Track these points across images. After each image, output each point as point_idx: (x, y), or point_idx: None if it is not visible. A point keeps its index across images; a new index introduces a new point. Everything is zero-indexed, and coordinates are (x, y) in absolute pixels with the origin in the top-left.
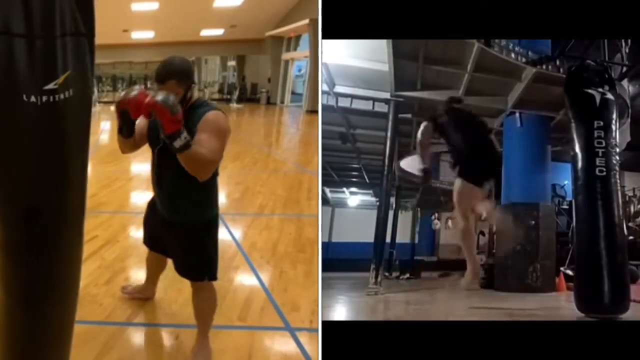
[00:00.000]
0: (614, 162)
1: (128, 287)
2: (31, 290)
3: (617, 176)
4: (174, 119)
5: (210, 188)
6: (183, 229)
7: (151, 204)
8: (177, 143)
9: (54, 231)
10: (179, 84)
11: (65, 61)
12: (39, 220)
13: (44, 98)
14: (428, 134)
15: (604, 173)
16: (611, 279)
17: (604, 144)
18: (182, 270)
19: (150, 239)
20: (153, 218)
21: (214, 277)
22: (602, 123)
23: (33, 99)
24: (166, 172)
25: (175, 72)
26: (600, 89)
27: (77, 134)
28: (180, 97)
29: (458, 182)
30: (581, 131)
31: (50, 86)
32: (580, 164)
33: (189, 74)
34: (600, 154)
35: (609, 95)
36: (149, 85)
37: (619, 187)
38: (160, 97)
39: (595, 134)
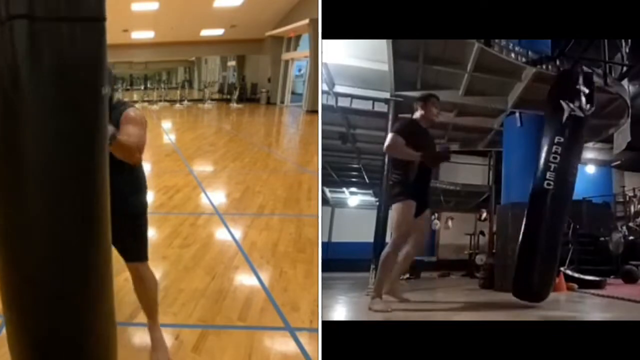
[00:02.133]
0: (568, 179)
1: None
2: None
3: (568, 193)
4: None
5: (141, 175)
6: (129, 215)
7: None
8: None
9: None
10: (110, 84)
11: None
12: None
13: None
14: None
15: (551, 187)
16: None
17: (558, 160)
18: (133, 254)
19: None
20: None
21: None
22: (562, 139)
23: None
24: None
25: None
26: (571, 104)
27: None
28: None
29: (405, 204)
30: (543, 140)
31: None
32: (535, 171)
33: (112, 78)
34: (552, 169)
35: (578, 113)
36: (148, 85)
37: (568, 204)
38: None
39: (553, 149)
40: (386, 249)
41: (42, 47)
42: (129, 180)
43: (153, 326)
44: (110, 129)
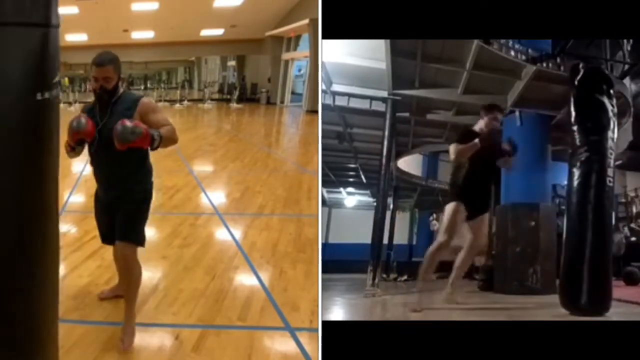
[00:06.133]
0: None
1: (104, 291)
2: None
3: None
4: (145, 139)
5: (148, 162)
6: (131, 201)
7: (97, 200)
8: (155, 144)
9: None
10: (115, 70)
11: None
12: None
13: (50, 93)
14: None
15: (612, 184)
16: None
17: (612, 156)
18: (125, 234)
19: (104, 235)
20: (102, 211)
21: (144, 243)
22: (613, 136)
23: (47, 94)
24: (111, 163)
25: (113, 60)
26: (611, 102)
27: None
28: (114, 83)
29: (453, 205)
30: (595, 139)
31: (57, 79)
32: (594, 173)
33: (121, 66)
34: (610, 165)
35: (615, 110)
36: (148, 85)
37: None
38: (120, 130)
39: (608, 145)
40: (431, 247)
41: None
42: (138, 169)
43: (129, 309)
44: (157, 136)
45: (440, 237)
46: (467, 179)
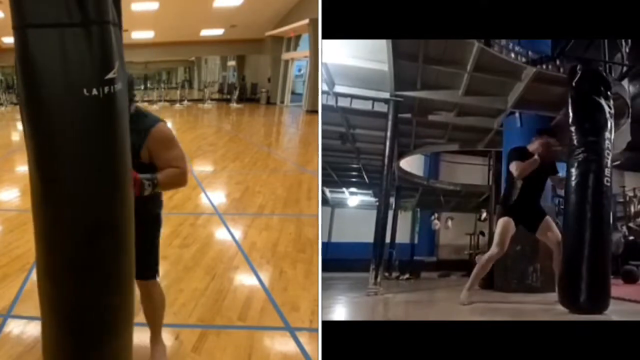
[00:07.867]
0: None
1: None
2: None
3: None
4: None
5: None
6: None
7: None
8: (146, 192)
9: (114, 250)
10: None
11: (117, 50)
12: (104, 239)
13: (106, 89)
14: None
15: (609, 184)
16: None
17: (610, 157)
18: (145, 270)
19: None
20: None
21: (158, 274)
22: (610, 136)
23: (95, 91)
24: None
25: None
26: (608, 103)
27: (127, 133)
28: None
29: (505, 221)
30: (593, 139)
31: (110, 75)
32: (592, 173)
33: (132, 87)
34: (608, 165)
35: (612, 111)
36: (148, 85)
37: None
38: None
39: (606, 145)
40: (484, 257)
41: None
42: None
43: (155, 340)
44: (147, 184)
45: (493, 249)
46: (520, 197)
